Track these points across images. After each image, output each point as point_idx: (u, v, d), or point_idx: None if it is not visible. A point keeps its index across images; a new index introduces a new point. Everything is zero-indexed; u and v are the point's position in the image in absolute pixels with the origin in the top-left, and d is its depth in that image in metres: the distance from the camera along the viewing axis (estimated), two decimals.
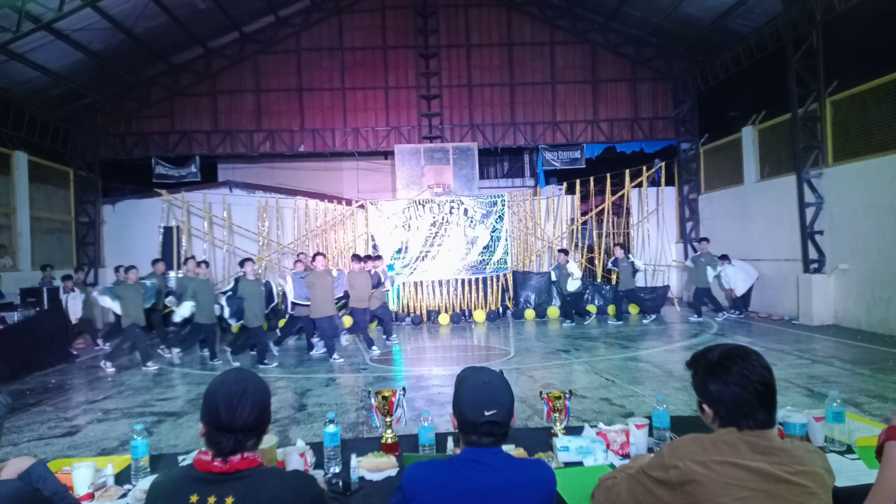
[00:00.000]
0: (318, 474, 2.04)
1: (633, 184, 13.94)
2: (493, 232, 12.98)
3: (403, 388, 2.44)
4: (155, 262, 10.28)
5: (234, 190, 14.32)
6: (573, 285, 11.00)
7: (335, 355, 7.97)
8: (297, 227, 13.95)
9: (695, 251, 14.23)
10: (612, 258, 11.60)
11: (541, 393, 2.48)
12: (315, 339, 8.69)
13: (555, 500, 1.50)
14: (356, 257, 9.31)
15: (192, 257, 10.81)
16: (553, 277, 11.67)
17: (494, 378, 1.55)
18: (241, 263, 8.32)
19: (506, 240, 12.99)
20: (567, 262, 11.16)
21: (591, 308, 11.94)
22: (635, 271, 11.34)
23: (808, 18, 9.67)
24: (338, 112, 14.49)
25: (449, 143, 14.07)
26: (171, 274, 13.31)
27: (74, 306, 9.96)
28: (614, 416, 4.89)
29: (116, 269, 11.34)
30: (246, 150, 14.43)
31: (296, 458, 2.07)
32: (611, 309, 11.73)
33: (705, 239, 11.94)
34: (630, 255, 11.67)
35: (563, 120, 14.64)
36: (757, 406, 1.35)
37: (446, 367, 7.43)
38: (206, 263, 9.01)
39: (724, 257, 11.34)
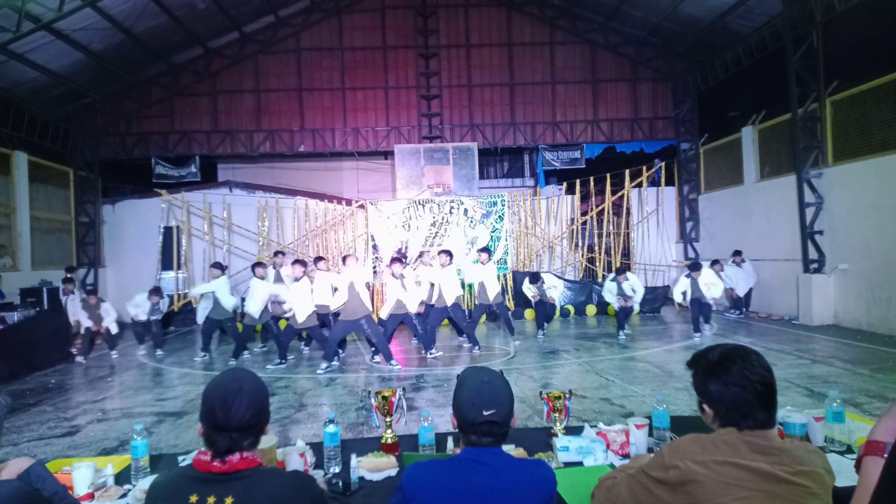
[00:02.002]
0: (318, 474, 2.04)
1: (633, 184, 13.95)
2: (493, 232, 12.99)
3: (403, 388, 2.44)
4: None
5: (234, 190, 14.32)
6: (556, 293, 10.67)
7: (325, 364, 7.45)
8: (297, 227, 13.96)
9: (696, 253, 14.26)
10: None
11: (541, 393, 2.48)
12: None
13: (555, 500, 1.50)
14: (397, 260, 8.65)
15: (281, 253, 10.41)
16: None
17: (494, 378, 1.54)
18: (293, 263, 8.29)
19: (506, 240, 12.99)
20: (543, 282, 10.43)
21: (591, 309, 11.97)
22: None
23: (808, 18, 9.68)
24: (338, 112, 14.49)
25: (449, 143, 14.07)
26: (171, 274, 13.38)
27: (74, 308, 9.95)
28: (614, 416, 4.89)
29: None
30: (246, 150, 14.44)
31: (296, 458, 2.07)
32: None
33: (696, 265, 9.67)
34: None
35: (563, 120, 14.64)
36: (757, 406, 1.35)
37: (446, 368, 7.43)
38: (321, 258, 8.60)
39: (717, 262, 11.28)
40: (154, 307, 9.59)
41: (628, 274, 9.74)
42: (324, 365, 7.36)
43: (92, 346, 9.40)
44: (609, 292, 9.75)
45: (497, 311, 9.23)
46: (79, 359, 8.82)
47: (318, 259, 8.43)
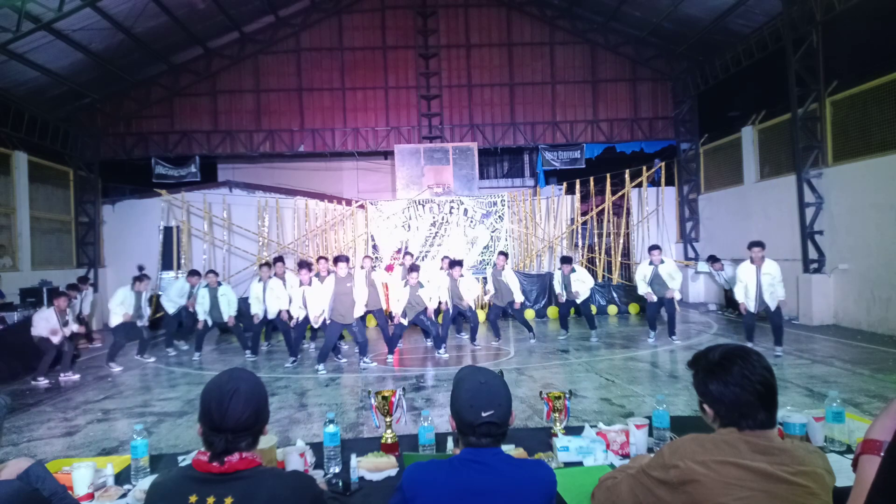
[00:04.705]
0: (318, 474, 2.03)
1: (633, 184, 13.95)
2: (493, 232, 12.99)
3: (403, 389, 2.44)
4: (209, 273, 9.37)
5: (234, 190, 14.33)
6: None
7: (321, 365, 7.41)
8: (297, 227, 13.96)
9: (696, 254, 14.24)
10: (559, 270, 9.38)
11: (541, 393, 2.48)
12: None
13: (555, 500, 1.50)
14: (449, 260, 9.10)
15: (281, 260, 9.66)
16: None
17: (491, 378, 1.54)
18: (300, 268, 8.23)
19: (506, 240, 12.99)
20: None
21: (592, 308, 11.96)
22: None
23: (808, 18, 9.68)
24: (338, 112, 14.50)
25: (449, 143, 14.08)
26: (171, 274, 13.38)
27: (72, 313, 9.93)
28: (614, 416, 4.88)
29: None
30: (246, 150, 14.44)
31: (296, 458, 2.07)
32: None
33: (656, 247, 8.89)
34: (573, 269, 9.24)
35: (563, 120, 14.65)
36: (757, 406, 1.35)
37: (447, 368, 7.43)
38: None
39: (717, 260, 11.25)
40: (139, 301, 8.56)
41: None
42: (320, 366, 7.37)
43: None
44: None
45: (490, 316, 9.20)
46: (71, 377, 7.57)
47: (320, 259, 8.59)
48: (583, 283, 9.08)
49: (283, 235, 14.05)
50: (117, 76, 12.80)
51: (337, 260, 7.50)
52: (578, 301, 9.11)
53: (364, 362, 7.59)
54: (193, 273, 9.57)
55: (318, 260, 8.66)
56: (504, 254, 9.53)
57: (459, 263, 8.89)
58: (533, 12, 14.61)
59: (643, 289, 8.62)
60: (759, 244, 7.27)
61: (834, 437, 2.14)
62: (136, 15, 10.80)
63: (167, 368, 8.11)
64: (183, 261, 13.48)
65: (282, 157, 15.52)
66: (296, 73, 14.44)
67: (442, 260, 9.65)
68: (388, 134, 14.51)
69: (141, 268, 10.08)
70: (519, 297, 8.95)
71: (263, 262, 9.91)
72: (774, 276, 7.20)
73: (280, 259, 8.82)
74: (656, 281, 8.47)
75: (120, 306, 8.26)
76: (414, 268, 8.37)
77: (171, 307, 9.37)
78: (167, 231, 13.60)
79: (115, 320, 8.26)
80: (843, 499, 1.28)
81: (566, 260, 9.42)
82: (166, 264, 13.42)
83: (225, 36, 13.89)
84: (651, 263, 8.60)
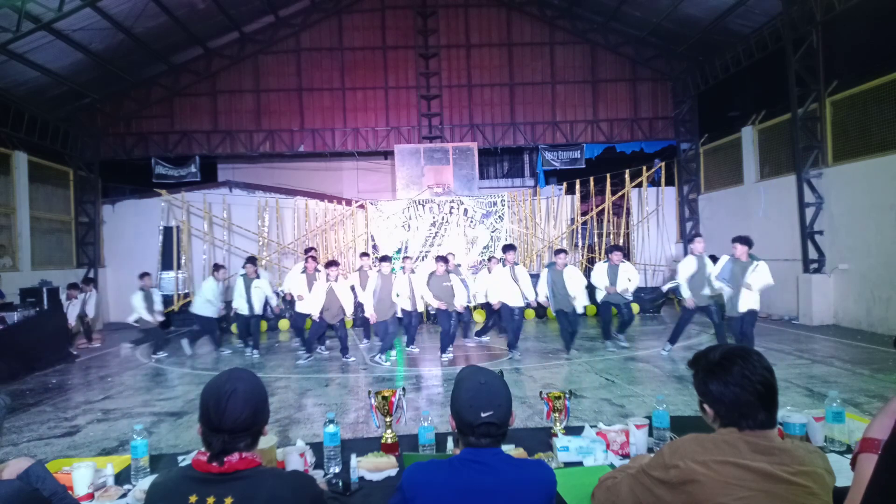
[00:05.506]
0: (318, 474, 2.03)
1: (633, 184, 13.96)
2: (493, 232, 12.99)
3: (403, 388, 2.44)
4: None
5: (234, 190, 14.33)
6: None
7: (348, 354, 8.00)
8: (297, 227, 13.96)
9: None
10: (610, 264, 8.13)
11: (541, 393, 2.48)
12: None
13: (555, 500, 1.50)
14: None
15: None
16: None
17: (491, 379, 1.54)
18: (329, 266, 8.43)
19: (506, 240, 12.98)
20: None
21: (591, 309, 11.95)
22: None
23: (808, 18, 9.68)
24: (338, 112, 14.49)
25: (449, 143, 14.07)
26: (171, 274, 13.39)
27: (72, 312, 9.97)
28: (614, 416, 4.88)
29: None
30: (246, 150, 14.44)
31: (295, 458, 2.07)
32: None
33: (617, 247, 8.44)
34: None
35: (563, 120, 14.65)
36: (757, 406, 1.35)
37: (446, 368, 7.43)
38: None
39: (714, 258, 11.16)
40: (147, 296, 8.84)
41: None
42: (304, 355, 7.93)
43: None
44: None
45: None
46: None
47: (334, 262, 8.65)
48: (629, 281, 7.92)
49: (283, 235, 14.05)
50: (117, 76, 12.80)
51: (382, 259, 8.11)
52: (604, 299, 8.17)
53: (381, 358, 7.81)
54: (252, 260, 9.09)
55: (361, 256, 9.41)
56: (564, 251, 8.12)
57: (513, 248, 8.13)
58: (533, 12, 14.61)
59: (686, 293, 7.30)
60: (741, 239, 6.56)
61: (834, 437, 2.14)
62: (136, 15, 10.79)
63: (167, 368, 8.11)
64: (183, 261, 13.48)
65: (282, 157, 15.52)
66: (296, 73, 14.44)
67: (490, 260, 8.84)
68: (388, 134, 14.51)
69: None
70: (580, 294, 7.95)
71: (331, 260, 9.46)
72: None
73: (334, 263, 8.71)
74: (700, 279, 7.05)
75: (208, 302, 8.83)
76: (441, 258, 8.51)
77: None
78: (167, 231, 13.61)
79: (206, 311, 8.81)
80: (843, 499, 1.28)
81: (618, 248, 8.20)
82: (166, 264, 13.43)
83: (225, 36, 13.89)
84: (690, 253, 7.36)
